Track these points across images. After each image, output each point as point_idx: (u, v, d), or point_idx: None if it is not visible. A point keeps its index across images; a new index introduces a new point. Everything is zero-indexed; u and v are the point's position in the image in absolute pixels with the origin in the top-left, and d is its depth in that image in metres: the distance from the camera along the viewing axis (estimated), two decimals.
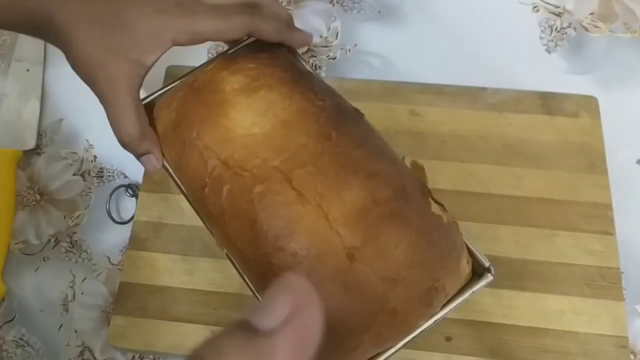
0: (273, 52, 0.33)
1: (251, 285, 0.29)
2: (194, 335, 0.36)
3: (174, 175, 0.32)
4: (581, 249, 0.37)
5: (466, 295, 0.28)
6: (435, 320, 0.28)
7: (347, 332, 0.26)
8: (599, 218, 0.38)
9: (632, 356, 0.35)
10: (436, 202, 0.29)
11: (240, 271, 0.29)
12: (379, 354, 0.27)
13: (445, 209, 0.29)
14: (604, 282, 0.36)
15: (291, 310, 0.18)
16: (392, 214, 0.26)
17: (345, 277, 0.25)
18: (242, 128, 0.28)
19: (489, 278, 0.29)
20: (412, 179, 0.29)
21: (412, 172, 0.30)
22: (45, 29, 0.30)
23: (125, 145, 0.31)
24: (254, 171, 0.27)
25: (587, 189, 0.38)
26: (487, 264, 0.29)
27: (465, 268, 0.29)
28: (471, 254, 0.29)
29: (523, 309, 0.36)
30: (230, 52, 0.34)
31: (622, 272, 0.37)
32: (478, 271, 0.29)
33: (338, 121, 0.29)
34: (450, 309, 0.28)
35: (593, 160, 0.39)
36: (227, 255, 0.30)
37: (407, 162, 0.32)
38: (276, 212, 0.26)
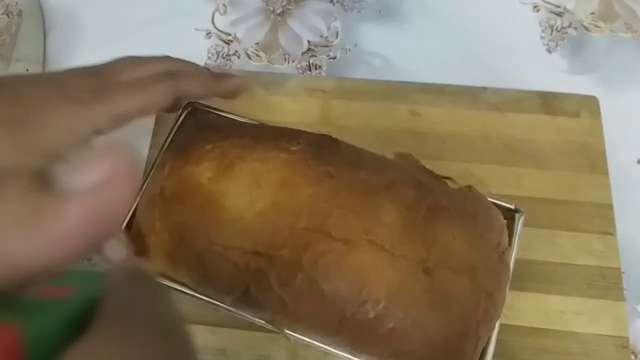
0: (214, 123, 0.33)
1: (337, 351, 0.28)
2: (194, 335, 0.36)
3: (198, 295, 0.29)
4: (582, 249, 0.37)
5: (515, 243, 0.30)
6: (509, 279, 0.29)
7: (462, 338, 0.26)
8: (599, 218, 0.38)
9: (632, 356, 0.35)
10: (445, 177, 0.30)
11: (312, 341, 0.28)
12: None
13: (454, 180, 0.30)
14: (605, 282, 0.36)
15: (104, 179, 0.15)
16: (430, 210, 0.27)
17: (435, 291, 0.25)
18: (247, 210, 0.27)
19: (522, 216, 0.31)
20: (414, 169, 0.30)
21: (407, 164, 0.31)
22: None
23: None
24: (288, 244, 0.25)
25: (587, 189, 0.38)
26: (512, 206, 0.31)
27: (502, 219, 0.30)
28: (495, 205, 0.31)
29: (523, 309, 0.36)
30: (167, 145, 0.32)
31: (623, 272, 0.36)
32: (507, 217, 0.31)
33: (324, 155, 0.28)
34: (513, 262, 0.30)
35: (594, 160, 0.39)
36: (288, 333, 0.28)
37: (389, 156, 0.32)
38: (338, 272, 0.25)
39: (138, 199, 0.31)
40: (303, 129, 0.42)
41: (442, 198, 0.28)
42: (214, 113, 0.34)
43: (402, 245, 0.26)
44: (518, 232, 0.30)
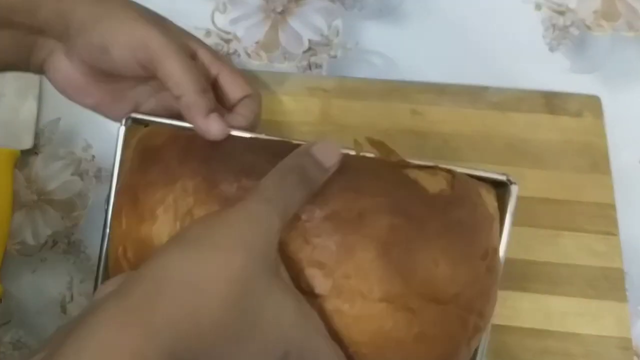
0: (157, 150, 0.28)
1: None
2: None
3: None
4: (584, 250, 0.37)
5: (507, 222, 0.28)
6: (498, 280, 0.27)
7: (454, 357, 0.25)
8: (602, 218, 0.37)
9: (635, 358, 0.35)
10: (428, 167, 0.27)
11: None
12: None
13: (438, 168, 0.27)
14: (607, 283, 0.36)
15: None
16: (408, 239, 0.24)
17: (421, 326, 0.24)
18: None
19: (514, 188, 0.27)
20: (387, 170, 0.26)
21: (381, 154, 0.27)
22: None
23: (190, 98, 0.27)
24: None
25: (590, 189, 0.38)
26: (503, 178, 0.28)
27: (490, 211, 0.27)
28: (482, 179, 0.28)
29: (525, 310, 0.35)
30: (117, 184, 0.30)
31: (626, 273, 0.36)
32: (500, 190, 0.28)
33: None
34: (504, 250, 0.28)
35: (596, 160, 0.39)
36: None
37: (358, 151, 0.29)
38: (331, 329, 0.24)
39: (105, 247, 0.30)
40: (303, 128, 0.42)
41: (419, 215, 0.25)
42: (156, 122, 0.30)
43: (381, 286, 0.24)
44: (512, 208, 0.27)
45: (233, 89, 0.31)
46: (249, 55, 0.45)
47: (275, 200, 0.23)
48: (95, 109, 0.31)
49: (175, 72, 0.27)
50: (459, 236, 0.25)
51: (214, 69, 0.31)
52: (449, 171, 0.27)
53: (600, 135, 0.40)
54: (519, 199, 0.38)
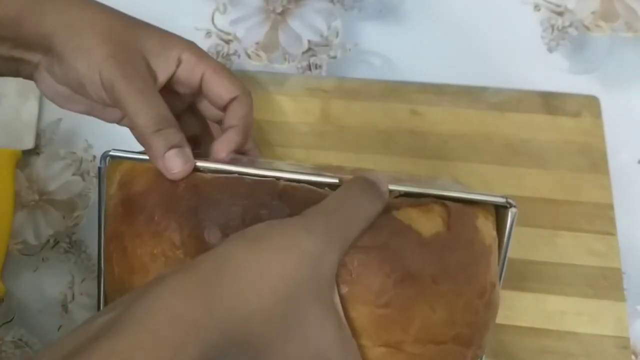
0: (140, 197, 0.27)
1: None
2: None
3: None
4: (583, 250, 0.37)
5: (506, 244, 0.27)
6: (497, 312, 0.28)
7: None
8: (600, 218, 0.38)
9: (633, 357, 0.35)
10: (420, 195, 0.26)
11: None
12: None
13: (431, 202, 0.26)
14: (606, 283, 0.36)
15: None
16: (404, 290, 0.24)
17: None
18: None
19: (512, 211, 0.27)
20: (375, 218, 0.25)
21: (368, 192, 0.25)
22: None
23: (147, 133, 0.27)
24: None
25: (588, 189, 0.38)
26: (503, 200, 0.27)
27: (488, 241, 0.26)
28: (479, 204, 0.27)
29: (524, 309, 0.36)
30: (104, 230, 0.29)
31: (624, 273, 0.36)
32: (500, 214, 0.28)
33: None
34: (505, 263, 0.28)
35: (595, 161, 0.39)
36: None
37: (341, 177, 0.27)
38: None
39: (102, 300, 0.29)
40: (303, 128, 0.42)
41: (414, 263, 0.24)
42: (135, 158, 0.29)
43: (379, 336, 0.24)
44: (510, 231, 0.27)
45: (219, 91, 0.31)
46: (249, 55, 0.45)
47: (336, 219, 0.23)
48: (89, 114, 0.32)
49: (131, 114, 0.27)
50: (456, 279, 0.25)
51: (198, 70, 0.30)
52: (443, 205, 0.26)
53: (598, 136, 0.40)
54: (517, 199, 0.38)
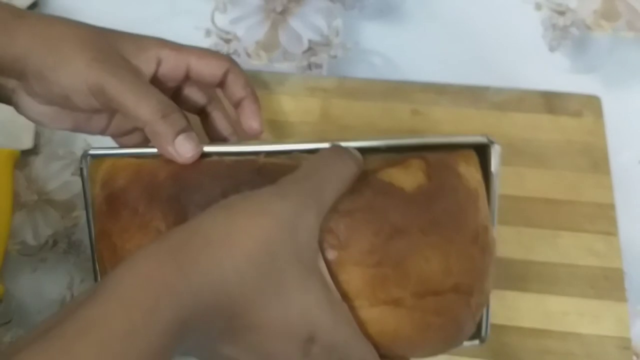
0: (122, 191, 0.27)
1: None
2: None
3: None
4: (584, 250, 0.37)
5: (494, 183, 0.27)
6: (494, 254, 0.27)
7: (461, 332, 0.26)
8: (601, 218, 0.37)
9: (635, 357, 0.35)
10: (394, 163, 0.25)
11: None
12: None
13: (410, 158, 0.25)
14: (607, 283, 0.36)
15: None
16: (395, 246, 0.24)
17: (424, 317, 0.24)
18: None
19: (495, 148, 0.27)
20: (356, 183, 0.25)
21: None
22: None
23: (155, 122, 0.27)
24: None
25: (590, 189, 0.38)
26: (483, 140, 0.27)
27: (472, 184, 0.26)
28: (458, 146, 0.27)
29: (525, 310, 0.35)
30: (92, 231, 0.29)
31: (625, 273, 0.36)
32: (481, 152, 0.27)
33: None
34: (496, 203, 0.27)
35: (596, 160, 0.39)
36: None
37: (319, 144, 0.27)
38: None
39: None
40: (304, 128, 0.42)
41: (400, 218, 0.24)
42: (116, 154, 0.29)
43: (376, 296, 0.24)
44: (496, 169, 0.27)
45: (210, 71, 0.31)
46: (249, 55, 0.45)
47: (308, 182, 0.23)
48: (74, 130, 0.31)
49: (132, 107, 0.27)
50: (445, 228, 0.25)
51: (182, 63, 0.30)
52: (421, 158, 0.26)
53: (600, 135, 0.40)
54: (518, 199, 0.38)
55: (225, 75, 0.31)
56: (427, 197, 0.25)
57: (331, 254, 0.24)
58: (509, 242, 0.37)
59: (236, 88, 0.31)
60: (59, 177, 0.43)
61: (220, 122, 0.33)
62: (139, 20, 0.46)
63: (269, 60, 0.45)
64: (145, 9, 0.47)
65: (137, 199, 0.26)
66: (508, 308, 0.36)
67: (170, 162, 0.27)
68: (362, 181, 0.25)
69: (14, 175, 0.42)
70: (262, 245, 0.21)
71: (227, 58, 0.31)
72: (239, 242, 0.21)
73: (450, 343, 0.27)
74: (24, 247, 0.41)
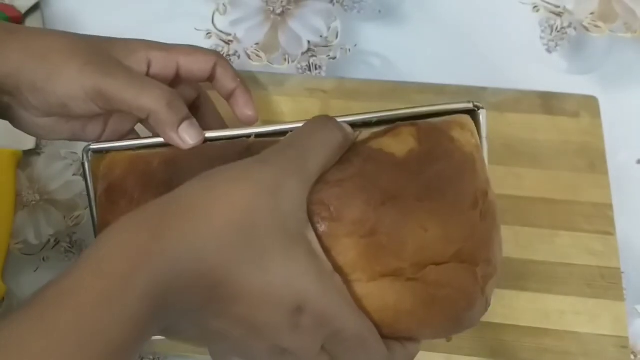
0: (120, 181, 0.27)
1: None
2: None
3: None
4: (582, 249, 0.37)
5: (484, 149, 0.26)
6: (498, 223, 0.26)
7: (470, 308, 0.25)
8: (599, 218, 0.38)
9: (632, 356, 0.35)
10: (383, 133, 0.25)
11: None
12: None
13: (399, 125, 0.25)
14: (605, 282, 0.36)
15: None
16: (389, 213, 0.23)
17: (427, 290, 0.23)
18: None
19: (482, 113, 0.26)
20: (345, 154, 0.24)
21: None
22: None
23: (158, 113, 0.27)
24: None
25: (587, 189, 0.38)
26: (468, 106, 0.26)
27: (466, 150, 0.25)
28: (447, 113, 0.26)
29: (523, 309, 0.36)
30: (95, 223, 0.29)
31: (623, 272, 0.37)
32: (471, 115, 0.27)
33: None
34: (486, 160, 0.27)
35: (593, 161, 0.39)
36: None
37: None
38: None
39: None
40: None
41: (392, 184, 0.23)
42: (117, 147, 0.29)
43: (373, 268, 0.23)
44: (485, 133, 0.26)
45: (199, 67, 0.31)
46: (249, 56, 0.45)
47: (291, 150, 0.23)
48: (70, 139, 0.32)
49: (133, 100, 0.27)
50: (441, 193, 0.24)
51: (171, 62, 0.30)
52: (412, 125, 0.25)
53: (597, 136, 0.40)
54: (516, 198, 0.38)
55: (214, 69, 0.31)
56: (418, 161, 0.24)
57: (323, 226, 0.23)
58: (507, 241, 0.37)
59: (226, 80, 0.32)
60: (60, 177, 0.43)
61: (211, 114, 0.33)
62: (139, 23, 0.46)
63: (269, 61, 0.45)
64: (145, 11, 0.47)
65: (133, 187, 0.26)
66: (506, 307, 0.36)
67: (164, 149, 0.27)
68: (352, 151, 0.24)
69: (16, 176, 0.42)
70: (241, 211, 0.21)
71: (214, 52, 0.32)
72: (218, 209, 0.21)
73: (461, 320, 0.25)
74: (26, 247, 0.41)
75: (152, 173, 0.26)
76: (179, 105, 0.28)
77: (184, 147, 0.27)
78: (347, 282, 0.23)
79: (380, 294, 0.23)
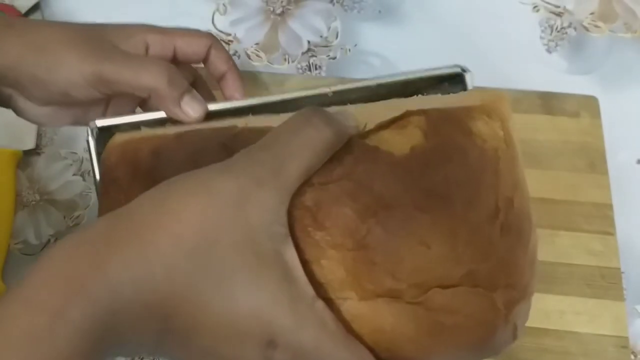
0: (135, 156, 0.25)
1: None
2: None
3: None
4: (581, 249, 0.37)
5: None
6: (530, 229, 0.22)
7: (491, 339, 0.21)
8: (599, 218, 0.38)
9: (632, 356, 0.35)
10: (385, 125, 0.21)
11: None
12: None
13: (405, 115, 0.21)
14: (605, 282, 0.36)
15: None
16: (382, 223, 0.20)
17: (433, 317, 0.20)
18: None
19: (470, 75, 0.24)
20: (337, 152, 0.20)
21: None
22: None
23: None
24: None
25: (587, 189, 0.38)
26: (456, 70, 0.24)
27: (493, 137, 0.21)
28: (434, 78, 0.24)
29: None
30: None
31: (623, 272, 0.37)
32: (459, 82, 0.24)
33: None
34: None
35: (593, 161, 0.39)
36: None
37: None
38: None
39: None
40: None
41: (387, 190, 0.20)
42: (123, 123, 0.28)
43: (365, 286, 0.20)
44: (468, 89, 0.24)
45: (194, 50, 0.31)
46: (249, 56, 0.45)
47: (266, 153, 0.20)
48: (73, 125, 0.32)
49: (134, 80, 0.27)
50: (448, 201, 0.20)
51: (168, 44, 0.30)
52: (422, 113, 0.21)
53: (597, 136, 0.40)
54: None
55: (208, 51, 0.31)
56: (422, 162, 0.20)
57: (306, 237, 0.20)
58: None
59: (219, 62, 0.32)
60: (60, 177, 0.43)
61: (207, 98, 0.33)
62: (139, 22, 0.46)
63: (269, 61, 0.45)
64: (146, 10, 0.47)
65: (122, 176, 0.25)
66: None
67: (153, 137, 0.25)
68: (346, 148, 0.21)
69: (16, 176, 0.42)
70: (195, 230, 0.18)
71: (209, 34, 0.32)
72: (169, 230, 0.18)
73: (479, 351, 0.21)
74: (26, 247, 0.41)
75: (139, 162, 0.24)
76: (179, 80, 0.28)
77: (188, 120, 0.27)
78: (335, 300, 0.20)
79: (374, 316, 0.20)
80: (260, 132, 0.21)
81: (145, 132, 0.26)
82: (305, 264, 0.20)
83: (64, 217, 0.42)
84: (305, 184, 0.20)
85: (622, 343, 0.35)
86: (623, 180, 0.39)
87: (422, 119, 0.21)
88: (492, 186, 0.21)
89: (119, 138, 0.26)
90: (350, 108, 0.22)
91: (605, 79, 0.43)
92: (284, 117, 0.21)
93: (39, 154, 0.44)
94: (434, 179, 0.20)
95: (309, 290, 0.20)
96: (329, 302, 0.20)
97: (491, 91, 0.22)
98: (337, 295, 0.20)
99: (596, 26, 0.45)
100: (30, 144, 0.44)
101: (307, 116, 0.21)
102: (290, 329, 0.19)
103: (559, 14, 0.45)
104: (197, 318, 0.18)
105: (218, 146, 0.22)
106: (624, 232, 0.37)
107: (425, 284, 0.20)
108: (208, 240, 0.18)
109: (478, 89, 0.24)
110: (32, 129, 0.44)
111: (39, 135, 0.44)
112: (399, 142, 0.21)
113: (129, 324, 0.18)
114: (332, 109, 0.22)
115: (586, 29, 0.45)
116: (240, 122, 0.24)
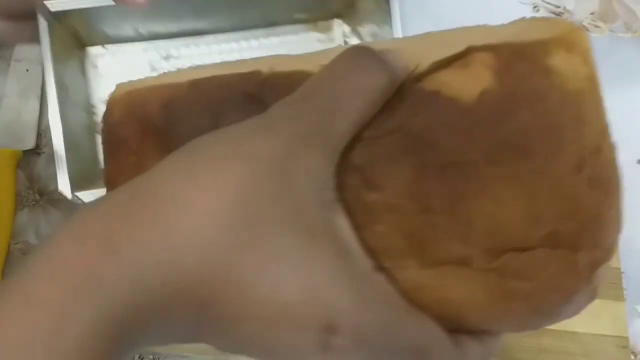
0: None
1: None
2: None
3: None
4: None
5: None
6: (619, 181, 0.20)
7: (567, 305, 0.19)
8: None
9: (632, 356, 0.35)
10: (446, 63, 0.18)
11: None
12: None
13: (470, 50, 0.18)
14: (605, 282, 0.36)
15: None
16: (447, 182, 0.17)
17: (509, 282, 0.17)
18: None
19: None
20: (390, 99, 0.17)
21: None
22: None
23: None
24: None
25: None
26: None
27: (577, 72, 0.18)
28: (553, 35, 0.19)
29: None
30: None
31: (623, 272, 0.37)
32: None
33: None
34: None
35: None
36: None
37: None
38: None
39: None
40: None
41: (453, 142, 0.17)
42: (77, 9, 0.24)
43: (426, 255, 0.17)
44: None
45: None
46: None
47: (310, 106, 0.17)
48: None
49: None
50: (527, 153, 0.17)
51: None
52: (490, 50, 0.18)
53: None
54: None
55: None
56: (494, 110, 0.17)
57: (355, 200, 0.17)
58: None
59: None
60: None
61: None
62: None
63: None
64: None
65: (131, 135, 0.21)
66: None
67: (162, 87, 0.22)
68: (398, 94, 0.18)
69: (16, 175, 0.42)
70: (232, 205, 0.15)
71: None
72: (198, 206, 0.15)
73: (554, 316, 0.19)
74: (26, 247, 0.41)
75: (149, 119, 0.21)
76: None
77: (136, 6, 0.23)
78: (393, 269, 0.18)
79: (438, 286, 0.18)
80: (291, 78, 0.18)
81: (152, 79, 0.22)
82: (355, 230, 0.17)
83: (64, 217, 0.42)
84: (353, 138, 0.17)
85: (622, 343, 0.35)
86: (623, 181, 0.39)
87: (491, 57, 0.18)
88: (575, 132, 0.18)
89: (121, 88, 0.23)
90: (390, 43, 0.19)
91: (606, 79, 0.42)
92: (315, 57, 0.18)
93: (39, 154, 0.44)
94: (508, 129, 0.17)
95: (368, 263, 0.17)
96: (384, 273, 0.18)
97: (562, 21, 0.19)
98: (393, 264, 0.18)
99: (596, 26, 0.45)
100: (30, 144, 0.44)
101: (356, 57, 0.17)
102: (352, 310, 0.16)
103: (559, 14, 0.45)
104: (240, 304, 0.15)
105: (242, 96, 0.19)
106: (624, 232, 0.37)
107: (498, 248, 0.17)
108: (248, 215, 0.15)
109: (543, 17, 0.20)
110: (32, 128, 0.44)
111: (39, 135, 0.44)
112: (464, 86, 0.17)
113: (155, 318, 0.15)
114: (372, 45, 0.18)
115: (586, 29, 0.45)
116: (263, 65, 0.20)
